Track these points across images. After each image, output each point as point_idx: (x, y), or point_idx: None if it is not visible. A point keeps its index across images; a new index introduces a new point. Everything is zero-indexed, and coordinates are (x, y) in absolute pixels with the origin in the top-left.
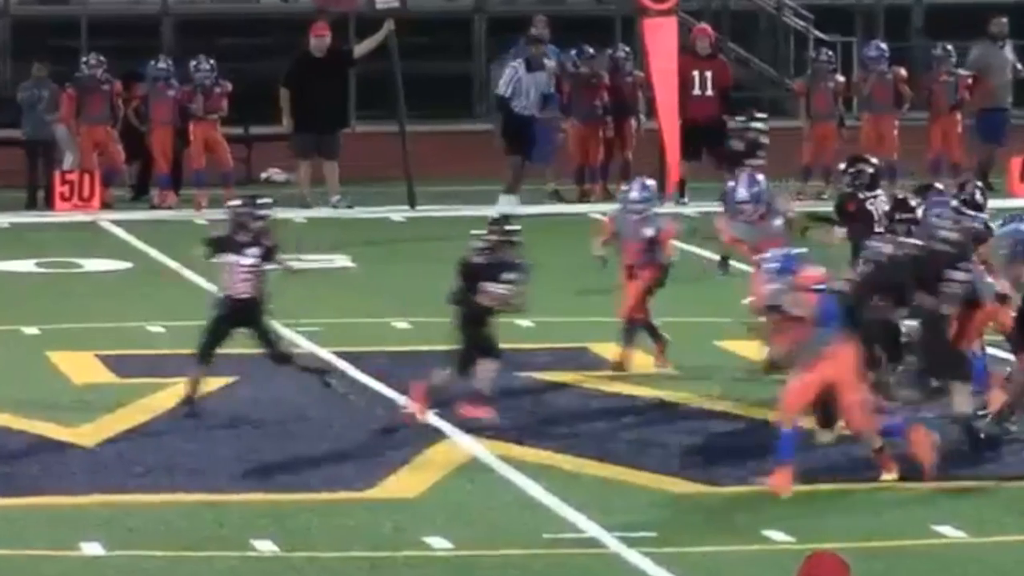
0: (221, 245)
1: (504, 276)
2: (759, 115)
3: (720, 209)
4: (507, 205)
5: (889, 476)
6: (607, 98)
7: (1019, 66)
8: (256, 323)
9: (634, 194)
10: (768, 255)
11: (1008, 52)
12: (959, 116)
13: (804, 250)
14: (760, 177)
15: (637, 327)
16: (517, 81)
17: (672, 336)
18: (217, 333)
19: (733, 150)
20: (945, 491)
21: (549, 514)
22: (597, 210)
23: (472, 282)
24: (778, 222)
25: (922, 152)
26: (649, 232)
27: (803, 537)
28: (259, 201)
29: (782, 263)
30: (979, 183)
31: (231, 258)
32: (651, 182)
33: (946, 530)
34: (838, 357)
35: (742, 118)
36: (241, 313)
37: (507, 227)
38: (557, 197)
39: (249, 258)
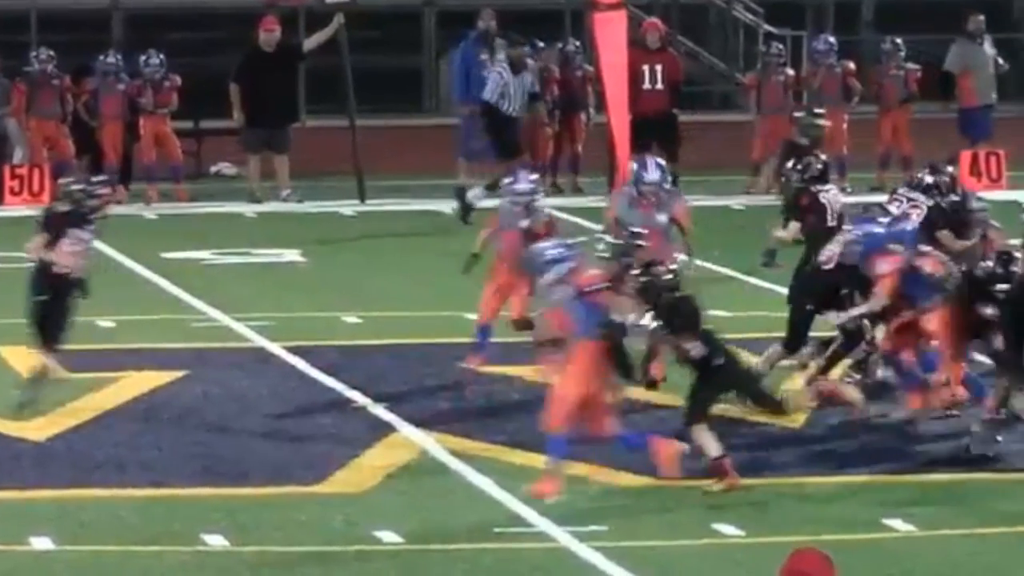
0: (62, 221)
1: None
2: (819, 111)
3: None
4: (476, 198)
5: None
6: (557, 92)
7: (1000, 61)
8: (70, 301)
9: (520, 185)
10: (544, 244)
11: (987, 48)
12: (909, 110)
13: (582, 239)
14: (662, 163)
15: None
16: (504, 85)
17: None
18: (59, 313)
19: (798, 144)
20: (895, 485)
21: (499, 508)
22: (546, 205)
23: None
24: (663, 218)
25: (872, 146)
26: (524, 224)
27: (753, 531)
28: (95, 180)
29: (558, 254)
30: (946, 167)
31: (77, 233)
32: (535, 175)
33: (896, 524)
34: (578, 360)
35: (801, 113)
36: (66, 289)
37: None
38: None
39: (87, 233)
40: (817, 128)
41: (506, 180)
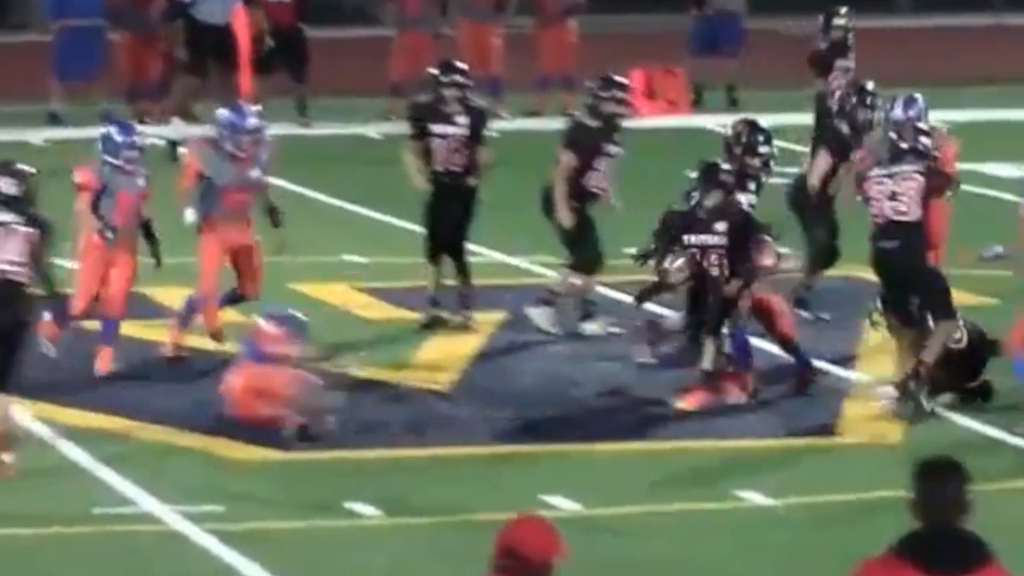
0: None
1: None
2: (842, 10)
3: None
4: (176, 132)
5: None
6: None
7: None
8: None
9: (131, 138)
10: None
11: None
12: (572, 23)
13: None
14: (256, 108)
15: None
16: None
17: None
18: None
19: (817, 52)
20: (555, 456)
21: (100, 485)
22: (156, 133)
23: None
24: (256, 173)
25: (532, 65)
26: (142, 183)
27: (393, 510)
28: None
29: None
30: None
31: None
32: (133, 123)
33: (557, 500)
34: None
35: (824, 16)
36: None
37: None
38: (108, 119)
39: None
40: (837, 29)
41: (106, 130)
